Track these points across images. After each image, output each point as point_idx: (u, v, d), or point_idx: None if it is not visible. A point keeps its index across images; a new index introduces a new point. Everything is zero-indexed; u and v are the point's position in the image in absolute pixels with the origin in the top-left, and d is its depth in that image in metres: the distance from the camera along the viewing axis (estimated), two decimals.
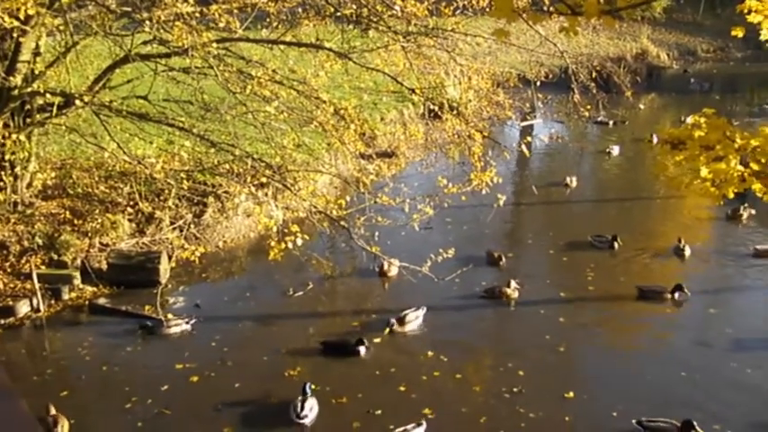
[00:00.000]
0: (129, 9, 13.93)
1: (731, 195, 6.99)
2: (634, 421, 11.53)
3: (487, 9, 15.62)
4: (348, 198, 16.09)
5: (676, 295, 15.93)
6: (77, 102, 14.36)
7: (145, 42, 15.31)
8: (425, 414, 11.82)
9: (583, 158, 29.11)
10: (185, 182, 16.42)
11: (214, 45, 13.54)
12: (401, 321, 14.60)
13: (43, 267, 15.76)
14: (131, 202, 17.95)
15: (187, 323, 14.57)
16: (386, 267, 16.62)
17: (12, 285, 15.34)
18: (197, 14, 13.69)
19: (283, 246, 13.52)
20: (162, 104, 16.96)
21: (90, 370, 13.26)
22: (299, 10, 16.37)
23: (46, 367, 13.41)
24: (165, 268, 16.32)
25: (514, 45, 24.09)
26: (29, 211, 17.04)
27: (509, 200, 20.78)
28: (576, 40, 39.41)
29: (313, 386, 12.07)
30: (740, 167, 6.80)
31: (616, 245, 18.57)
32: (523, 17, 5.16)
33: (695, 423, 11.20)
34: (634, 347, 14.49)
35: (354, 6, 15.36)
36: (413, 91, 16.94)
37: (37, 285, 14.99)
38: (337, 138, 16.38)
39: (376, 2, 15.38)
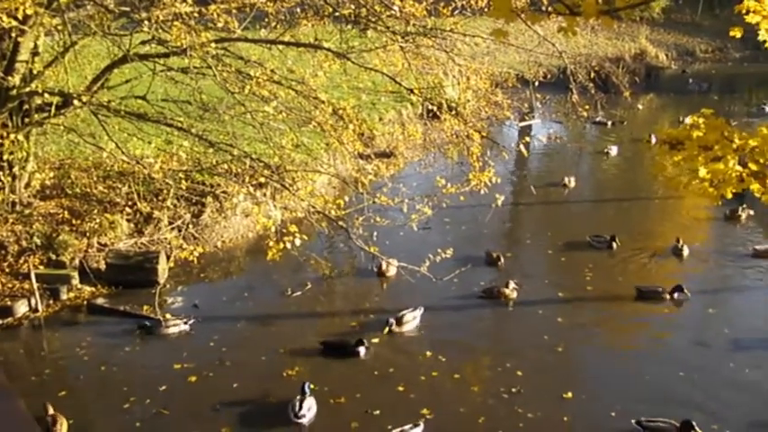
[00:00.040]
0: (128, 9, 13.93)
1: (729, 196, 6.99)
2: (633, 421, 11.53)
3: (486, 9, 15.61)
4: (346, 198, 16.08)
5: (676, 295, 15.94)
6: (76, 102, 14.35)
7: (143, 42, 15.31)
8: (424, 414, 11.82)
9: (581, 159, 29.14)
10: (184, 182, 16.40)
11: (212, 45, 13.54)
12: (398, 321, 14.59)
13: (41, 267, 15.76)
14: (130, 202, 17.94)
15: (185, 323, 14.56)
16: (384, 267, 16.63)
17: (10, 285, 15.33)
18: (195, 14, 13.68)
19: (282, 246, 13.51)
20: (160, 104, 16.96)
21: (88, 370, 13.25)
22: (298, 10, 16.37)
23: (44, 367, 13.41)
24: (163, 268, 16.32)
25: (513, 45, 24.12)
26: (27, 211, 17.03)
27: (507, 200, 20.81)
28: (574, 41, 39.36)
29: (312, 386, 12.07)
30: (738, 168, 6.80)
31: (614, 245, 18.59)
32: (522, 17, 5.16)
33: (694, 423, 11.21)
34: (633, 347, 14.50)
35: (353, 6, 15.36)
36: (411, 91, 16.95)
37: (35, 285, 14.97)
38: (336, 138, 16.39)
39: (374, 2, 15.38)
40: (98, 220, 17.12)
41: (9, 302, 14.82)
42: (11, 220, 16.59)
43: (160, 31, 13.82)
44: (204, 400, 12.23)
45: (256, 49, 17.25)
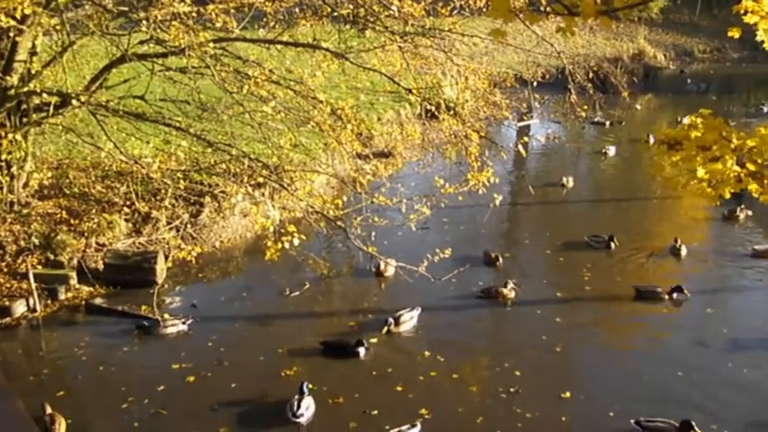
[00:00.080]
0: (126, 9, 13.93)
1: (727, 196, 6.99)
2: (632, 421, 11.53)
3: (484, 9, 15.62)
4: (345, 198, 16.13)
5: (675, 296, 15.95)
6: (74, 101, 14.34)
7: (142, 42, 15.31)
8: (422, 414, 11.83)
9: (579, 159, 29.15)
10: (182, 182, 16.40)
11: (211, 45, 13.54)
12: (396, 322, 14.59)
13: (40, 267, 15.74)
14: (128, 202, 17.93)
15: (184, 323, 14.56)
16: (382, 267, 16.62)
17: (8, 285, 15.32)
18: (194, 14, 13.69)
19: (280, 246, 13.50)
20: (159, 104, 16.96)
21: (87, 370, 13.24)
22: (296, 10, 16.38)
23: (42, 367, 13.40)
24: (161, 268, 16.31)
25: (511, 45, 24.14)
26: (25, 211, 17.01)
27: (506, 200, 20.82)
28: (572, 41, 39.37)
29: (310, 385, 12.07)
30: (736, 168, 6.80)
31: (612, 245, 18.60)
32: (520, 17, 5.16)
33: (694, 423, 11.21)
34: (631, 347, 14.50)
35: (351, 6, 15.36)
36: (410, 91, 16.95)
37: (33, 285, 14.95)
38: (334, 138, 16.38)
39: (373, 2, 15.39)
40: (96, 220, 17.11)
41: (7, 302, 14.81)
42: (9, 220, 16.58)
43: (158, 30, 13.82)
44: (202, 400, 12.22)
45: (255, 48, 17.25)
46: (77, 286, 15.84)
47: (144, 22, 13.28)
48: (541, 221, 22.03)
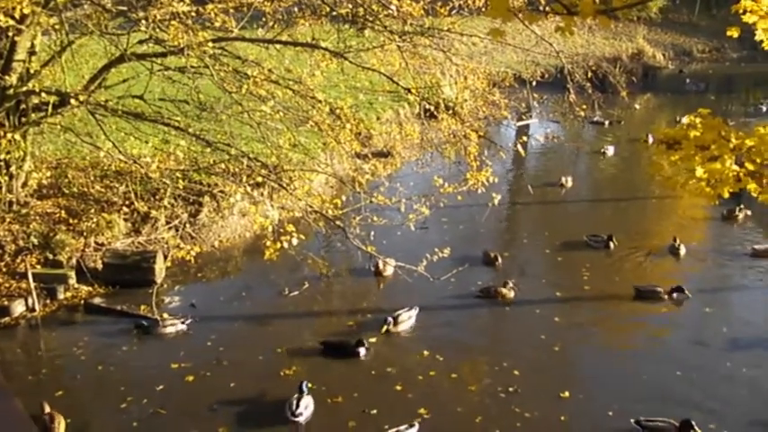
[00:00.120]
0: (125, 8, 13.93)
1: (726, 195, 6.99)
2: (632, 421, 11.52)
3: (483, 9, 15.63)
4: (344, 198, 16.12)
5: (675, 296, 15.95)
6: (73, 101, 14.33)
7: (141, 42, 15.30)
8: (421, 414, 11.82)
9: (578, 158, 29.16)
10: (181, 181, 16.39)
11: (210, 44, 13.54)
12: (395, 321, 14.59)
13: (38, 267, 15.73)
14: (127, 202, 17.92)
15: (182, 323, 14.55)
16: (381, 267, 16.62)
17: (7, 285, 15.30)
18: (193, 14, 13.69)
19: (279, 245, 13.51)
20: (158, 104, 16.95)
21: (85, 369, 13.23)
22: (295, 9, 16.39)
23: (41, 367, 13.39)
24: (160, 268, 16.30)
25: (510, 45, 24.14)
26: (24, 211, 17.01)
27: (505, 200, 20.84)
28: (571, 40, 39.29)
29: (309, 385, 12.07)
30: (735, 167, 6.80)
31: (611, 244, 18.60)
32: (519, 17, 5.15)
33: (693, 422, 11.21)
34: (630, 347, 14.51)
35: (350, 6, 15.36)
36: (409, 90, 16.94)
37: (32, 285, 14.94)
38: (333, 137, 16.39)
39: (372, 1, 15.39)
40: (95, 220, 17.10)
41: (6, 302, 14.80)
42: (8, 220, 16.57)
43: (157, 30, 13.82)
44: (201, 400, 12.22)
45: (254, 48, 17.25)
46: (76, 286, 15.84)
47: (143, 21, 13.27)
48: (540, 221, 22.04)
